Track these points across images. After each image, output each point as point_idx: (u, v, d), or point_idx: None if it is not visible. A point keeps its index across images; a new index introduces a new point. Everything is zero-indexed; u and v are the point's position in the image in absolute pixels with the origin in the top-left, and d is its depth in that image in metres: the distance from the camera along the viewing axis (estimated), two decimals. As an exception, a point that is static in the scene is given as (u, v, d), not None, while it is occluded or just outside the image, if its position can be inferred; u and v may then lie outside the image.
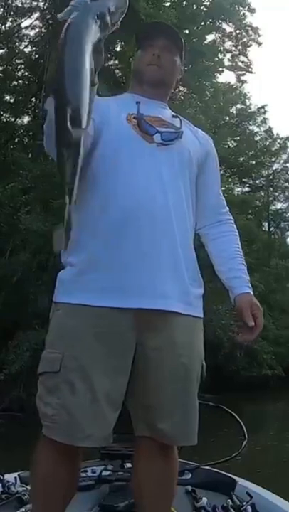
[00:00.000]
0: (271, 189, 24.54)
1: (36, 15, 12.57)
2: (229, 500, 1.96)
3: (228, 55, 16.47)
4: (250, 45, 16.20)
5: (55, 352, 1.43)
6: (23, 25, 12.98)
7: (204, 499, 1.96)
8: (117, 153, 1.51)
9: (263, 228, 23.60)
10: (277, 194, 24.94)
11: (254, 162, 23.86)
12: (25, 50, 13.31)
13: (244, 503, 1.92)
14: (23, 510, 1.81)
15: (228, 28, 15.86)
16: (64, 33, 1.02)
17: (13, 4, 12.67)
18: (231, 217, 1.75)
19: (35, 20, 12.68)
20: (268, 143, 24.17)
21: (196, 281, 1.58)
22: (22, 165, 10.72)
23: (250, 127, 23.89)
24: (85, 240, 1.49)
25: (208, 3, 14.69)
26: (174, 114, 1.67)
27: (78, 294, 1.45)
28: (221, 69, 16.71)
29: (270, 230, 24.48)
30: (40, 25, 12.57)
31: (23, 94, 13.50)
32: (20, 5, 12.72)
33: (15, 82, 13.68)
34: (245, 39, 16.06)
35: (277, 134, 24.30)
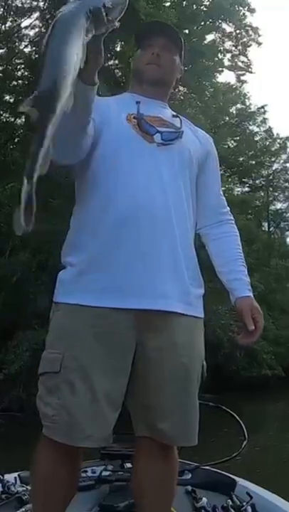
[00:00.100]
0: (271, 189, 24.55)
1: (36, 15, 12.58)
2: (229, 501, 1.96)
3: (228, 55, 16.46)
4: (250, 45, 16.19)
5: (55, 352, 1.43)
6: (22, 25, 12.99)
7: (204, 499, 1.96)
8: (117, 153, 1.51)
9: (263, 228, 23.61)
10: (277, 194, 24.94)
11: (254, 162, 23.86)
12: (25, 50, 13.32)
13: (244, 503, 1.92)
14: (23, 510, 1.81)
15: (228, 28, 15.86)
16: (52, 24, 1.02)
17: (13, 4, 12.67)
18: (232, 218, 1.75)
19: (35, 20, 12.69)
20: (267, 143, 24.18)
21: (196, 281, 1.57)
22: (22, 165, 10.70)
23: (250, 127, 23.92)
24: (85, 240, 1.49)
25: (208, 3, 14.67)
26: (174, 113, 1.67)
27: (78, 295, 1.45)
28: (220, 69, 16.70)
29: (270, 230, 24.49)
30: (40, 25, 12.58)
31: (23, 94, 13.47)
32: (20, 5, 12.72)
33: (14, 82, 13.67)
34: (245, 39, 16.05)
35: (277, 134, 24.34)
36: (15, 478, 2.13)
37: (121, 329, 1.43)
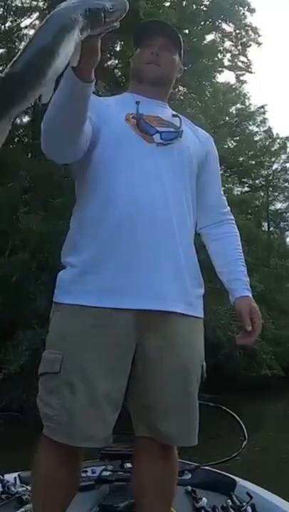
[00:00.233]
0: (271, 189, 24.51)
1: (36, 15, 12.57)
2: (229, 501, 1.97)
3: (228, 55, 16.46)
4: (250, 45, 16.18)
5: (55, 352, 1.43)
6: (22, 24, 12.98)
7: (204, 499, 1.96)
8: (116, 153, 1.51)
9: (263, 228, 23.58)
10: (276, 194, 24.91)
11: (254, 162, 23.83)
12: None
13: (244, 504, 1.92)
14: (23, 510, 1.82)
15: (228, 28, 15.85)
16: (47, 17, 1.01)
17: (13, 4, 12.66)
18: (232, 218, 1.75)
19: (34, 20, 12.67)
20: (267, 143, 24.15)
21: (196, 281, 1.57)
22: (22, 165, 10.71)
23: (250, 127, 23.87)
24: (84, 241, 1.49)
25: (207, 3, 14.67)
26: (174, 113, 1.67)
27: (78, 295, 1.45)
28: (220, 69, 16.69)
29: (270, 230, 24.47)
30: (40, 25, 12.57)
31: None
32: (20, 5, 12.71)
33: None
34: (244, 39, 16.04)
35: (277, 134, 24.29)
36: (15, 478, 2.13)
37: (121, 329, 1.43)
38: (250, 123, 23.77)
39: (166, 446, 1.52)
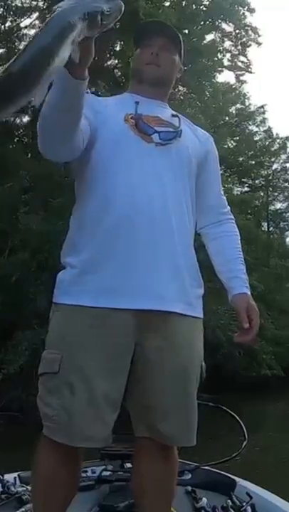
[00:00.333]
0: (270, 189, 24.51)
1: (36, 15, 12.56)
2: (229, 501, 1.97)
3: (228, 55, 16.44)
4: (250, 45, 16.16)
5: (54, 353, 1.44)
6: (22, 24, 12.97)
7: (204, 499, 1.96)
8: (114, 153, 1.51)
9: (262, 228, 23.59)
10: (276, 194, 24.90)
11: (253, 162, 23.83)
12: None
13: (244, 504, 1.92)
14: (23, 510, 1.82)
15: (228, 27, 15.83)
16: (47, 20, 1.01)
17: (13, 4, 12.65)
18: (232, 217, 1.75)
19: (34, 19, 12.67)
20: (267, 143, 24.15)
21: (195, 281, 1.57)
22: (22, 164, 10.71)
23: (250, 127, 23.87)
24: (83, 241, 1.49)
25: (207, 2, 14.65)
26: (174, 113, 1.67)
27: (77, 295, 1.45)
28: (220, 69, 16.69)
29: (270, 230, 24.47)
30: (40, 24, 12.57)
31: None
32: (19, 4, 12.71)
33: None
34: (244, 39, 16.03)
35: (277, 134, 24.28)
36: (15, 478, 2.13)
37: (119, 329, 1.43)
38: (250, 123, 23.77)
39: (166, 446, 1.52)
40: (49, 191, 10.01)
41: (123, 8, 1.15)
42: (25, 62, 0.94)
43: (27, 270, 9.37)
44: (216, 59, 15.78)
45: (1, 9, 12.67)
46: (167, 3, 13.05)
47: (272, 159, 24.41)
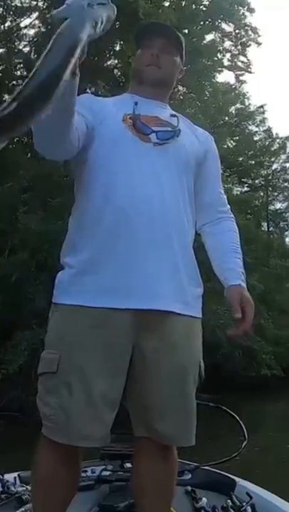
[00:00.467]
0: (270, 189, 24.52)
1: (35, 14, 12.56)
2: (229, 501, 1.97)
3: (228, 55, 16.43)
4: (250, 45, 16.14)
5: (53, 353, 1.44)
6: (22, 24, 12.97)
7: (204, 499, 1.96)
8: (112, 153, 1.51)
9: (262, 228, 23.59)
10: (276, 194, 24.91)
11: (253, 162, 23.83)
12: (25, 49, 13.30)
13: (244, 504, 1.92)
14: (23, 510, 1.82)
15: (228, 27, 15.82)
16: (58, 34, 1.01)
17: (13, 4, 12.65)
18: (232, 215, 1.75)
19: (34, 19, 12.67)
20: (267, 143, 24.15)
21: (194, 280, 1.57)
22: (21, 164, 10.71)
23: (250, 127, 23.86)
24: (82, 241, 1.49)
25: (207, 2, 14.65)
26: (173, 113, 1.67)
27: (76, 295, 1.45)
28: (220, 69, 16.68)
29: (269, 229, 24.46)
30: (40, 24, 12.56)
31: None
32: (19, 4, 12.70)
33: (14, 82, 13.65)
34: (244, 39, 16.02)
35: (277, 134, 24.28)
36: (15, 478, 2.13)
37: (118, 329, 1.43)
38: (250, 123, 23.77)
39: (165, 446, 1.52)
40: (48, 191, 10.01)
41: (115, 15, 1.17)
42: (36, 86, 0.95)
43: (26, 270, 9.37)
44: (216, 59, 15.77)
45: (1, 9, 12.67)
46: (167, 3, 13.04)
47: (272, 159, 24.41)
